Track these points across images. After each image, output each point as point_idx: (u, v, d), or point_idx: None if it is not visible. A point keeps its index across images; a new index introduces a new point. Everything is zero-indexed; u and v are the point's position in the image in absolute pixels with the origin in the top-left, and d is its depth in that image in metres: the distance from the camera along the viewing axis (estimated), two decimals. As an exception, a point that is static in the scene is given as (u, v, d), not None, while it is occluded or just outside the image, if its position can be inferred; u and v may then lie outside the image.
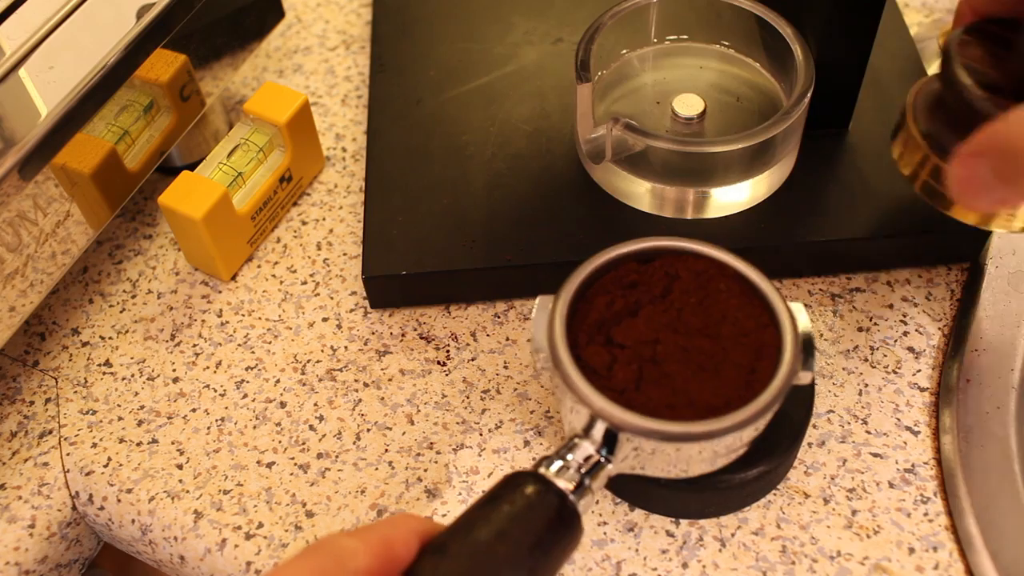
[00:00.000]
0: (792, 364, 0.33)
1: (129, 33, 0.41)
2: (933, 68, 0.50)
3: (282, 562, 0.35)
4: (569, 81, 0.49)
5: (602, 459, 0.33)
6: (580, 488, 0.32)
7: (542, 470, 0.32)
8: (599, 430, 0.32)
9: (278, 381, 0.44)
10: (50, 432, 0.43)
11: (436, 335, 0.45)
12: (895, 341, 0.43)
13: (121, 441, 0.43)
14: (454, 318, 0.46)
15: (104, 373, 0.45)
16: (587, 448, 0.33)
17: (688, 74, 0.48)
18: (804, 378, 0.34)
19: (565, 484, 0.31)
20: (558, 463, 0.32)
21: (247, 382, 0.44)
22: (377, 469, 0.41)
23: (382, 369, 0.44)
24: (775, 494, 0.39)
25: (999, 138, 0.29)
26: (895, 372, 0.42)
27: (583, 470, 0.32)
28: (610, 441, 0.32)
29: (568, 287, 0.36)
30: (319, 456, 0.42)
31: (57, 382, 0.45)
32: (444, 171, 0.47)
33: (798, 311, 0.35)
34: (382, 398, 0.43)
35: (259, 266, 0.48)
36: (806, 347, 0.34)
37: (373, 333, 0.45)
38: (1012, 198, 0.30)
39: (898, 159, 0.38)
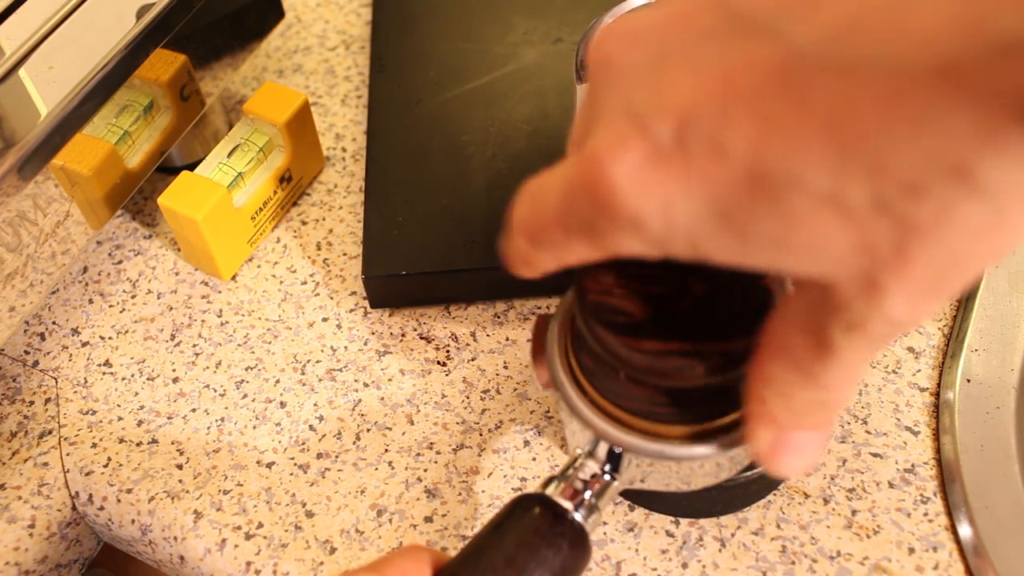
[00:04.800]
0: None
1: (129, 33, 0.41)
2: None
3: None
4: (569, 81, 0.49)
5: (607, 476, 0.32)
6: (587, 507, 0.31)
7: (548, 491, 0.32)
8: (603, 449, 0.32)
9: (278, 381, 0.44)
10: (50, 432, 0.43)
11: (436, 335, 0.45)
12: (895, 341, 0.43)
13: (121, 441, 0.43)
14: (454, 318, 0.46)
15: (104, 373, 0.45)
16: (592, 467, 0.32)
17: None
18: None
19: (571, 505, 0.31)
20: (563, 483, 0.32)
21: (247, 382, 0.44)
22: (377, 469, 0.41)
23: (382, 369, 0.44)
24: (775, 494, 0.39)
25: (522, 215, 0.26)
26: (895, 372, 0.42)
27: (589, 489, 0.32)
28: (614, 459, 0.32)
29: (565, 306, 0.35)
30: (319, 456, 0.42)
31: (57, 382, 0.45)
32: (444, 171, 0.47)
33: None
34: (382, 398, 0.43)
35: (259, 266, 0.48)
36: None
37: (373, 333, 0.45)
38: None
39: None
